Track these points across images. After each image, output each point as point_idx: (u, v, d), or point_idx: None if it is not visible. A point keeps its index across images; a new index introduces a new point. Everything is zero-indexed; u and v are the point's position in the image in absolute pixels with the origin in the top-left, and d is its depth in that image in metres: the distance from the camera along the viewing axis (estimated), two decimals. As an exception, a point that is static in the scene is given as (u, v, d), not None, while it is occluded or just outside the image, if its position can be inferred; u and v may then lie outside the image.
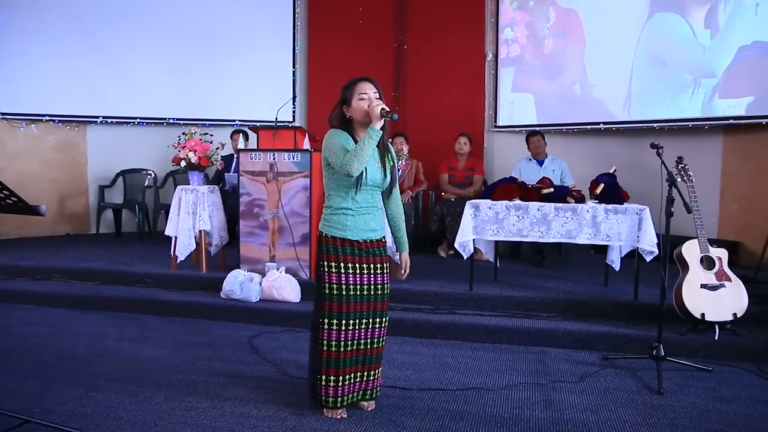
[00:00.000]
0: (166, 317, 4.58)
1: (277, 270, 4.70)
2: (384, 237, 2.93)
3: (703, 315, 3.72)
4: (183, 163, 5.18)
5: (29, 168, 7.24)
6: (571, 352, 3.88)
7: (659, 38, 6.08)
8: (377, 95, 2.77)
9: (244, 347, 3.90)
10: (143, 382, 3.25)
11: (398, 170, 6.36)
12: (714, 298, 3.74)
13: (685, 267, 3.83)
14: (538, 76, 7.09)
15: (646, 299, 4.27)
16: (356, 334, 2.80)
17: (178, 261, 5.18)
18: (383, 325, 2.88)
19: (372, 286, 2.83)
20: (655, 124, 6.12)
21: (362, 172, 2.73)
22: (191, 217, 5.12)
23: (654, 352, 3.42)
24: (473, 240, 4.47)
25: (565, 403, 3.06)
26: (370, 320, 2.83)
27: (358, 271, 2.80)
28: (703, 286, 3.75)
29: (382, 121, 2.67)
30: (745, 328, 3.85)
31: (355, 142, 2.78)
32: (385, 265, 2.89)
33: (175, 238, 5.14)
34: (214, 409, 2.92)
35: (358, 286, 2.80)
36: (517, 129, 7.22)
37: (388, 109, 2.68)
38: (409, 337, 4.14)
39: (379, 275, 2.85)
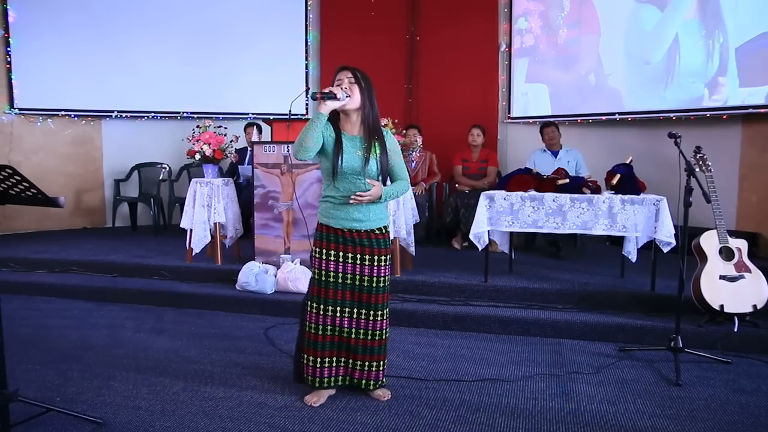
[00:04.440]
0: (182, 309, 4.62)
1: (292, 262, 4.72)
2: (378, 229, 2.85)
3: (722, 306, 3.68)
4: (197, 156, 5.21)
5: (46, 162, 7.30)
6: (588, 344, 3.85)
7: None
8: (352, 80, 2.74)
9: (259, 338, 3.92)
10: (161, 373, 3.28)
11: (412, 162, 6.39)
12: (733, 289, 3.69)
13: (704, 258, 3.79)
14: (552, 67, 7.04)
15: (664, 291, 4.23)
16: (337, 321, 2.84)
17: (193, 253, 5.21)
18: (372, 318, 2.84)
19: (358, 276, 2.82)
20: (671, 114, 6.05)
21: (339, 160, 2.71)
22: (206, 210, 5.15)
23: (672, 343, 3.39)
24: (488, 231, 4.46)
25: (582, 395, 3.04)
26: (354, 310, 2.84)
27: (341, 260, 2.81)
28: (722, 277, 3.71)
29: (330, 103, 2.62)
30: (765, 320, 3.79)
31: (340, 131, 2.78)
32: (377, 257, 2.83)
33: (191, 230, 5.17)
34: (231, 399, 2.94)
35: (340, 274, 2.82)
36: (531, 120, 7.18)
37: (325, 91, 2.63)
38: (424, 328, 4.14)
39: (366, 266, 2.82)
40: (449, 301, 4.39)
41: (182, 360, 3.50)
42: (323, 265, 2.83)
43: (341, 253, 2.82)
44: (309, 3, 7.90)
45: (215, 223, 5.17)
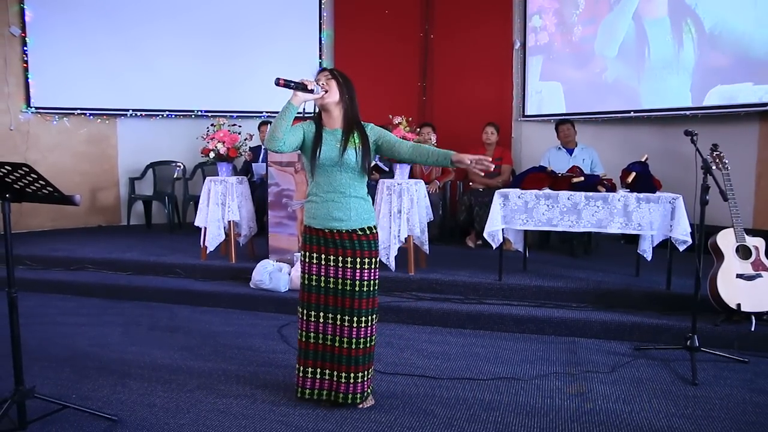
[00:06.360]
0: (196, 307, 4.64)
1: (306, 260, 4.73)
2: (360, 229, 2.74)
3: (738, 305, 3.64)
4: (212, 155, 5.22)
5: (62, 161, 7.38)
6: (603, 343, 3.82)
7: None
8: (328, 77, 2.72)
9: (273, 336, 3.93)
10: (175, 370, 3.30)
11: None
12: (750, 288, 3.65)
13: (720, 256, 3.75)
14: (566, 65, 6.98)
15: (679, 289, 4.19)
16: (320, 328, 2.77)
17: (207, 251, 5.23)
18: (356, 325, 2.71)
19: (340, 280, 2.72)
20: (687, 112, 5.99)
21: (318, 151, 2.68)
22: (220, 208, 5.17)
23: (688, 342, 3.36)
24: (502, 230, 4.43)
25: (597, 393, 3.02)
26: (338, 316, 2.73)
27: (323, 263, 2.74)
28: (739, 276, 3.66)
29: (302, 95, 2.60)
30: (782, 319, 3.76)
31: (321, 128, 2.76)
32: (359, 260, 2.71)
33: (205, 228, 5.19)
34: (246, 397, 2.95)
35: (323, 278, 2.75)
36: (545, 118, 7.13)
37: (294, 80, 2.61)
38: (438, 326, 4.13)
39: (349, 269, 2.71)
40: (463, 300, 4.38)
41: (196, 358, 3.52)
42: (305, 268, 2.78)
43: (323, 256, 2.74)
44: (323, 1, 7.90)
45: (229, 221, 5.20)
